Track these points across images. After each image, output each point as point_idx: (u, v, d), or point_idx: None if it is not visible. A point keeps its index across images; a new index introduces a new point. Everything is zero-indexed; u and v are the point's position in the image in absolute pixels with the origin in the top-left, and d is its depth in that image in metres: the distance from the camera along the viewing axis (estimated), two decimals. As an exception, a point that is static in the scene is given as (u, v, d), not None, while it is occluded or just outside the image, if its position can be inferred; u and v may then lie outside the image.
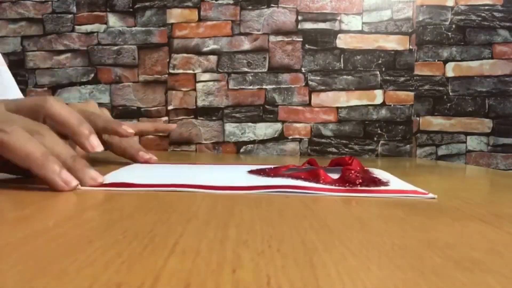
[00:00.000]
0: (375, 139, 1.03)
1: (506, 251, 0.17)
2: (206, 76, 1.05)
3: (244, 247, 0.16)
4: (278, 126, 1.04)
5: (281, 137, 1.04)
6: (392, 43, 1.01)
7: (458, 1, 1.00)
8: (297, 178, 0.38)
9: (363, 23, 1.02)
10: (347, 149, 1.03)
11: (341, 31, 1.02)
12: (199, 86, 1.05)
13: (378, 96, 1.02)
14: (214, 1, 1.04)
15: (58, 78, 1.08)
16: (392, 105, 1.02)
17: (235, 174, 0.43)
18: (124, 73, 1.06)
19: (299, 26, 1.03)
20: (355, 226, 0.21)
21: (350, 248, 0.17)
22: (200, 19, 1.05)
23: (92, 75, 1.07)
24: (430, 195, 0.31)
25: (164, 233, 0.18)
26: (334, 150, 1.03)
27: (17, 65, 1.08)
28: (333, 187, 0.34)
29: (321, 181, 0.36)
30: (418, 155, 1.02)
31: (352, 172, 0.36)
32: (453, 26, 1.00)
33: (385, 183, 0.36)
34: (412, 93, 1.01)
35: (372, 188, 0.34)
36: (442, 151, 1.01)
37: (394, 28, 1.01)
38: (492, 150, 1.00)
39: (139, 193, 0.30)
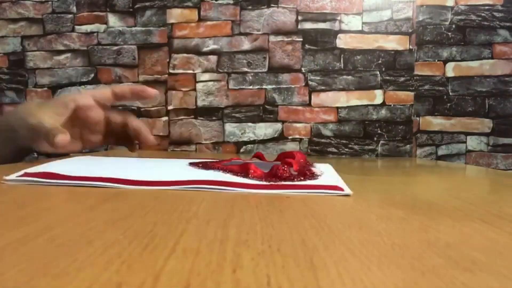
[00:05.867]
0: (375, 139, 1.03)
1: (506, 251, 0.17)
2: (206, 76, 1.05)
3: (244, 247, 0.16)
4: (278, 126, 1.04)
5: (281, 137, 1.04)
6: (392, 43, 1.01)
7: (458, 1, 1.00)
8: (228, 171, 0.38)
9: (363, 23, 1.02)
10: (347, 149, 1.03)
11: (341, 31, 1.02)
12: (199, 86, 1.05)
13: (378, 96, 1.02)
14: (214, 1, 1.04)
15: (58, 78, 1.08)
16: (392, 105, 1.02)
17: (173, 169, 0.42)
18: (124, 73, 1.06)
19: (299, 26, 1.03)
20: (355, 226, 0.21)
21: (350, 248, 0.17)
22: (200, 19, 1.05)
23: (92, 75, 1.07)
24: (346, 191, 0.31)
25: (164, 233, 0.18)
26: (334, 150, 1.03)
27: (17, 65, 1.08)
28: (258, 182, 0.34)
29: (250, 176, 0.36)
30: (418, 155, 1.02)
31: (282, 166, 0.36)
32: (453, 26, 1.00)
33: (314, 177, 0.36)
34: (412, 93, 1.01)
35: (295, 183, 0.34)
36: (442, 151, 1.01)
37: (394, 28, 1.01)
38: (492, 150, 1.00)
39: (139, 193, 0.30)
